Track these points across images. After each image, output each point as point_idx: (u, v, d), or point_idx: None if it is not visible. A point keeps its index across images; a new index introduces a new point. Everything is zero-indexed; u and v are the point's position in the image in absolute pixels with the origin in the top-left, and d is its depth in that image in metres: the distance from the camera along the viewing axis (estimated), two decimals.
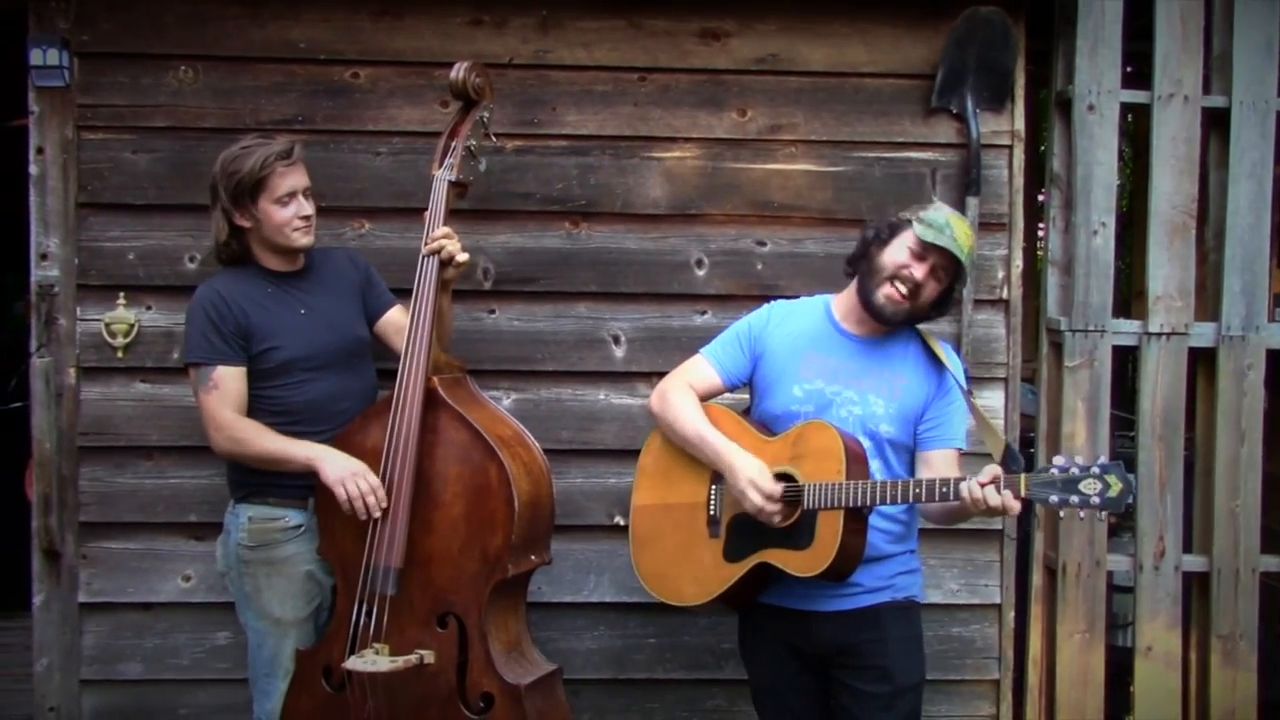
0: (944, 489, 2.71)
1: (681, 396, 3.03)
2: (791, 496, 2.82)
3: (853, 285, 3.00)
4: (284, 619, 3.12)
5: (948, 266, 2.89)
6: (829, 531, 2.77)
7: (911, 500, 2.79)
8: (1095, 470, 2.60)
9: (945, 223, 2.89)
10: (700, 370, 3.09)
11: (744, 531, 2.91)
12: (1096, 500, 2.59)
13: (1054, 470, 2.63)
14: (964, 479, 2.69)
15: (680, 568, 3.02)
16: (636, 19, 3.68)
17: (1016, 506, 2.66)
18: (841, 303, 3.04)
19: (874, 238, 2.97)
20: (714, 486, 2.99)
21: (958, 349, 3.64)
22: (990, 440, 2.97)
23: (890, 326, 2.97)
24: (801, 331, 3.04)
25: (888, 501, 2.77)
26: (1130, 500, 2.60)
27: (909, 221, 2.92)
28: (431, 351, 3.05)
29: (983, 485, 2.65)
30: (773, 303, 3.14)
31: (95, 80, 3.59)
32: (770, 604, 3.00)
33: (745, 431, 2.98)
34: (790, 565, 2.83)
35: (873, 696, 2.93)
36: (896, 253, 2.91)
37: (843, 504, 2.75)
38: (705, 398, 3.05)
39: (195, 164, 3.53)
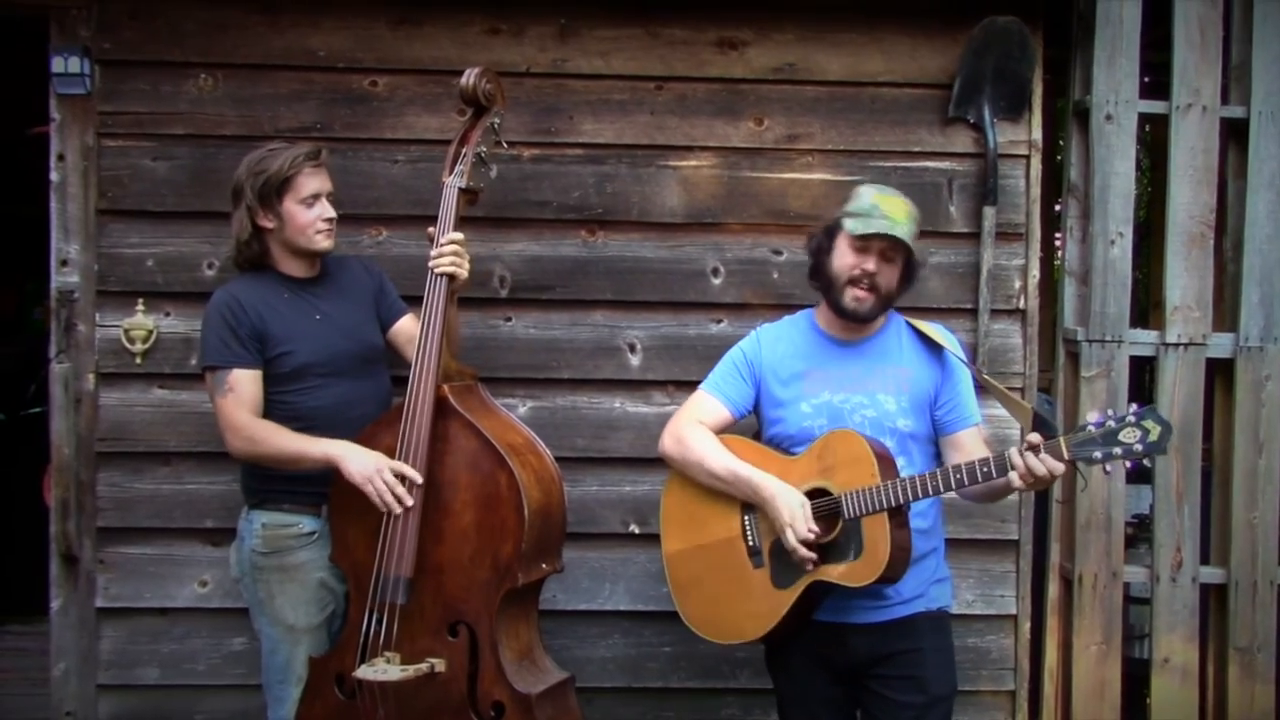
0: (985, 469, 2.70)
1: (699, 435, 3.00)
2: (829, 510, 2.81)
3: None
4: (297, 626, 3.13)
5: (893, 245, 2.88)
6: (877, 536, 2.76)
7: (954, 487, 2.74)
8: (1131, 418, 2.60)
9: (872, 206, 2.88)
10: (707, 406, 3.05)
11: (788, 556, 2.86)
12: (1140, 448, 2.59)
13: (1091, 427, 2.63)
14: (1003, 454, 2.68)
15: (731, 606, 2.97)
16: (654, 28, 3.69)
17: (1061, 468, 2.64)
18: (823, 313, 3.04)
19: (818, 249, 2.98)
20: (746, 517, 2.95)
21: (973, 358, 3.64)
22: (1014, 410, 2.97)
23: (871, 322, 2.98)
24: (795, 350, 3.03)
25: (930, 494, 2.75)
26: (1170, 439, 2.61)
27: (839, 221, 2.93)
28: (442, 359, 3.06)
29: (1022, 454, 2.64)
30: (759, 328, 3.14)
31: (116, 88, 3.62)
32: None
33: (768, 456, 2.96)
34: (845, 578, 2.79)
35: (906, 707, 2.92)
36: (842, 256, 2.91)
37: (886, 505, 2.74)
38: (716, 432, 3.03)
39: (214, 171, 3.55)
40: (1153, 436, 2.58)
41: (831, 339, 3.02)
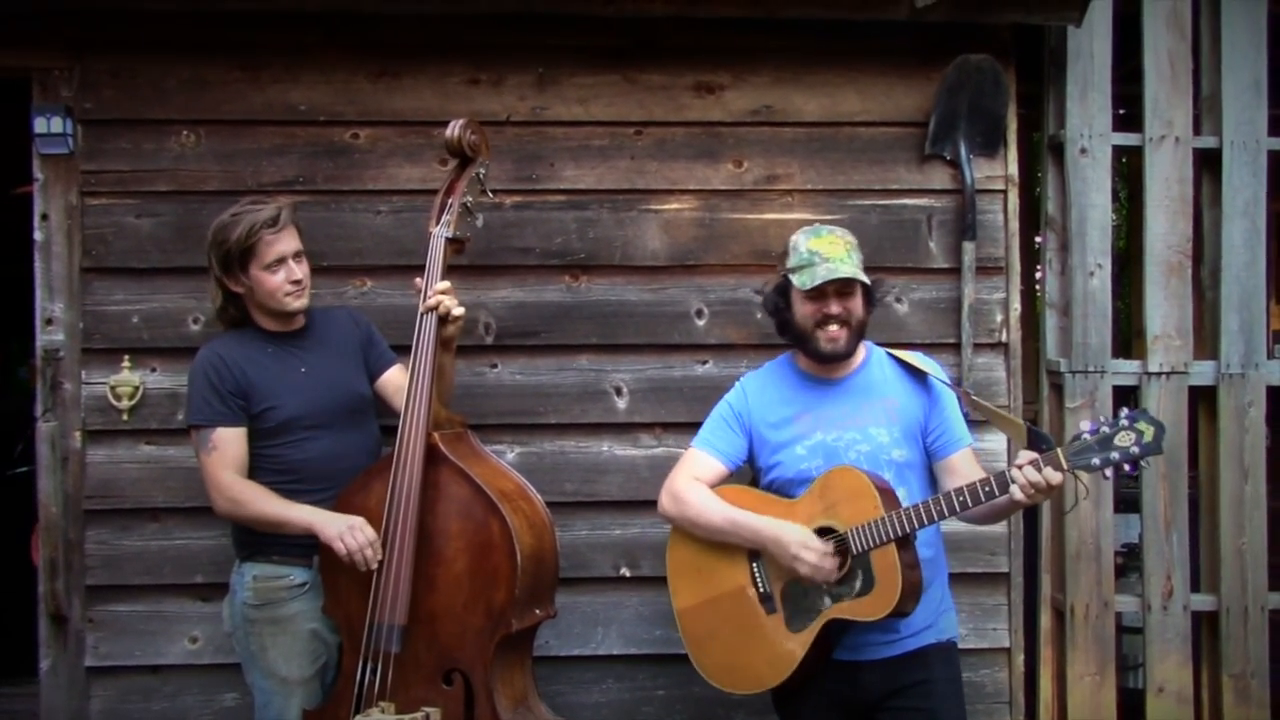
0: (987, 488, 2.72)
1: (694, 490, 3.02)
2: (836, 548, 2.82)
3: None
4: (290, 678, 3.12)
5: (845, 281, 2.90)
6: (887, 567, 2.77)
7: (958, 510, 2.76)
8: (1124, 422, 2.63)
9: (810, 254, 2.90)
10: (701, 462, 3.07)
11: (800, 598, 2.88)
12: (1136, 450, 2.61)
13: (1086, 435, 2.65)
14: (1003, 472, 2.70)
15: (748, 655, 2.97)
16: (631, 74, 3.73)
17: (1059, 478, 2.66)
18: (803, 356, 3.05)
19: (776, 308, 3.02)
20: (754, 564, 2.95)
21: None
22: (1008, 428, 2.99)
23: (851, 358, 3.00)
24: (781, 395, 3.06)
25: (935, 520, 2.77)
26: (1165, 439, 2.63)
27: (786, 279, 2.95)
28: (432, 407, 3.06)
29: (1021, 468, 2.66)
30: (742, 378, 3.17)
31: (98, 146, 3.63)
32: None
33: (768, 502, 2.97)
34: (859, 613, 2.80)
35: None
36: (802, 309, 2.94)
37: (893, 536, 2.75)
38: (713, 486, 3.04)
39: (198, 227, 3.54)
40: (1147, 438, 2.61)
41: (815, 379, 3.04)
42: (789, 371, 3.09)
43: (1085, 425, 2.68)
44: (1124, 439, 2.62)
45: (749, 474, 3.16)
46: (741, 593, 2.97)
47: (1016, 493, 2.68)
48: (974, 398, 3.08)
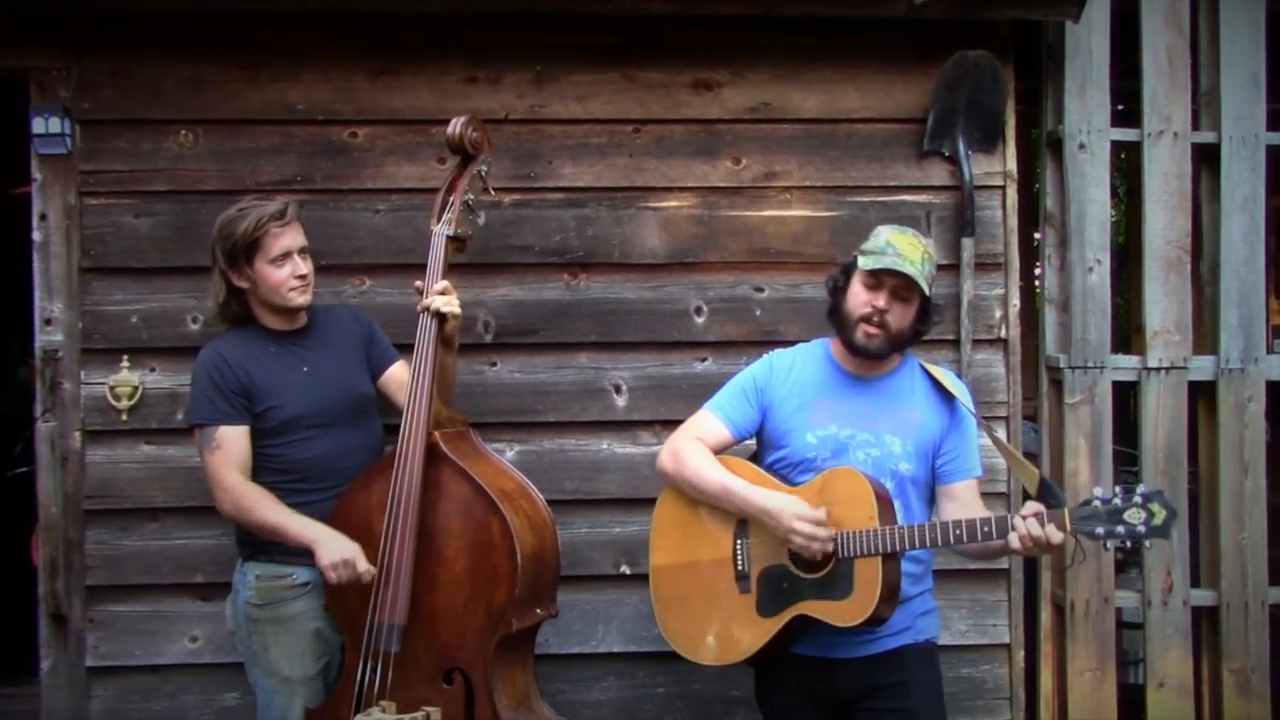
0: (986, 528, 2.70)
1: (696, 452, 2.99)
2: None
3: None
4: (292, 677, 3.11)
5: (905, 284, 2.88)
6: (868, 578, 2.75)
7: (952, 542, 2.74)
8: (1138, 499, 2.59)
9: (886, 244, 2.89)
10: (708, 425, 3.05)
11: (776, 584, 2.87)
12: (1142, 529, 2.58)
13: (1097, 503, 2.61)
14: (1005, 516, 2.69)
15: (710, 627, 2.97)
16: (629, 71, 3.72)
17: (1061, 538, 2.63)
18: (839, 346, 3.03)
19: (835, 287, 3.00)
20: (739, 541, 2.94)
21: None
22: (1022, 474, 2.96)
23: (884, 360, 2.98)
24: (807, 378, 3.03)
25: (928, 545, 2.75)
26: (1174, 524, 2.60)
27: (854, 259, 2.95)
28: (433, 406, 3.06)
29: (1025, 519, 2.64)
30: (772, 352, 3.13)
31: (97, 146, 3.63)
32: (791, 653, 2.96)
33: (766, 480, 2.95)
34: (831, 616, 2.79)
35: None
36: (856, 294, 2.92)
37: (883, 550, 2.73)
38: (715, 452, 3.02)
39: (196, 226, 3.56)
40: (1157, 520, 2.57)
41: (845, 372, 3.02)
42: (822, 357, 3.07)
43: (1098, 492, 2.63)
44: (1133, 516, 2.58)
45: (749, 449, 3.15)
46: (720, 565, 2.96)
47: (1014, 541, 2.66)
48: (995, 435, 3.06)
